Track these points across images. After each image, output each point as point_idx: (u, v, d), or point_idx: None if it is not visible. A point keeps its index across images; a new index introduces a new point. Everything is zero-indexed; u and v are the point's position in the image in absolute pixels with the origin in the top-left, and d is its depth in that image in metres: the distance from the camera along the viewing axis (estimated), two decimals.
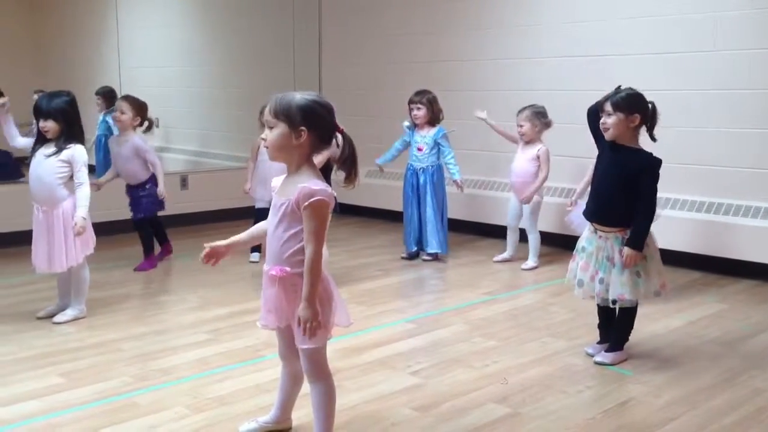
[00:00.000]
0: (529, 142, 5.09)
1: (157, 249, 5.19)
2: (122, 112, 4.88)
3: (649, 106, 3.28)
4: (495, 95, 5.97)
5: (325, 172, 4.36)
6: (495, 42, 5.95)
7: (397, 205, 6.45)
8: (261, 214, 5.28)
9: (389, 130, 6.74)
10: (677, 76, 4.99)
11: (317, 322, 2.27)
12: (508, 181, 5.36)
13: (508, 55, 5.87)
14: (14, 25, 6.60)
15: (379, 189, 6.67)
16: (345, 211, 5.22)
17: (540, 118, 5.06)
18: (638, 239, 3.20)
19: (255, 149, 5.20)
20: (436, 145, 5.27)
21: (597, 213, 3.34)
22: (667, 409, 2.85)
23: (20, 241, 5.45)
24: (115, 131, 5.37)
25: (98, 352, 3.46)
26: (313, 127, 2.28)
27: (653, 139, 3.31)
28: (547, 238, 5.25)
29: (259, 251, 5.29)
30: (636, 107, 3.24)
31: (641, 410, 2.85)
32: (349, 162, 2.36)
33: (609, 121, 3.26)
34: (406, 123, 5.40)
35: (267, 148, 2.33)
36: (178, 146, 7.18)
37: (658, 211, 3.92)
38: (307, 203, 2.24)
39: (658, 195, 3.29)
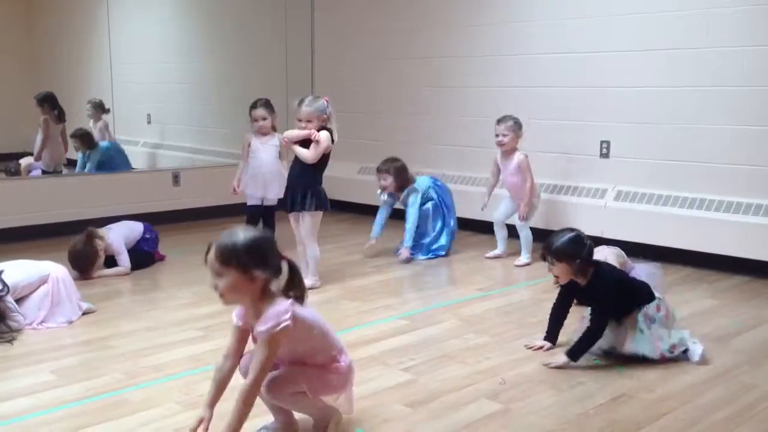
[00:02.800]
0: (507, 152, 5.07)
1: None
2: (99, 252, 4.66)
3: (587, 245, 3.25)
4: (487, 92, 5.97)
5: (321, 167, 4.37)
6: (488, 38, 5.94)
7: None
8: (252, 211, 5.27)
9: (381, 127, 6.75)
10: (671, 73, 5.00)
11: None
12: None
13: (501, 52, 5.87)
14: (6, 20, 6.56)
15: (371, 185, 6.65)
16: (337, 207, 5.21)
17: (520, 128, 5.05)
18: (576, 351, 3.19)
19: (246, 146, 5.17)
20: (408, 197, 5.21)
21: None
22: (658, 405, 2.86)
23: (16, 237, 5.46)
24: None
25: (89, 349, 3.45)
26: (263, 265, 2.26)
27: (587, 274, 3.27)
28: (535, 234, 5.25)
29: None
30: (576, 253, 3.21)
31: (633, 405, 2.86)
32: (297, 288, 2.36)
33: (555, 270, 3.28)
34: (382, 197, 5.30)
35: (221, 296, 2.29)
36: (171, 143, 7.15)
37: (656, 270, 4.03)
38: (263, 329, 2.25)
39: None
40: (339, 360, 2.50)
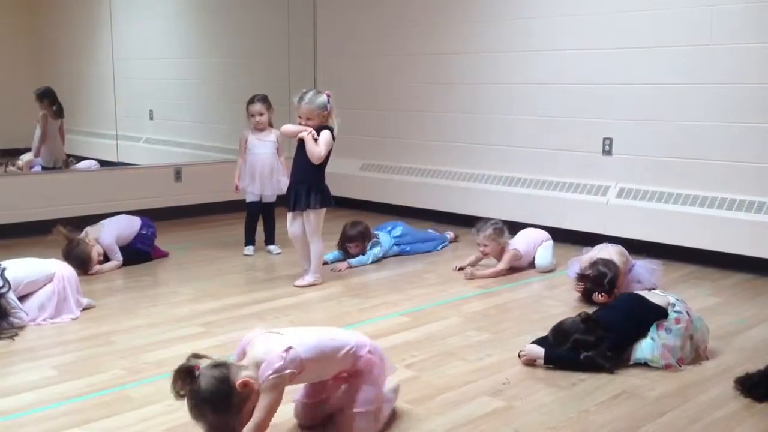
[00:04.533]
0: (496, 256, 4.79)
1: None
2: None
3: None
4: (491, 89, 5.97)
5: (324, 163, 4.35)
6: (491, 35, 5.93)
7: (391, 198, 6.47)
8: (252, 207, 5.27)
9: (384, 123, 6.74)
10: (674, 70, 4.98)
11: None
12: (501, 174, 5.35)
13: (503, 48, 5.86)
14: (9, 16, 6.56)
15: (373, 182, 6.67)
16: (339, 203, 5.21)
17: (501, 235, 4.72)
18: (555, 361, 3.14)
19: (243, 143, 5.15)
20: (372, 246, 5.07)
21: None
22: (659, 402, 2.86)
23: (18, 233, 5.47)
24: None
25: (91, 344, 3.46)
26: (234, 407, 2.22)
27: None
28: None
29: (254, 244, 5.28)
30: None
31: (634, 403, 2.85)
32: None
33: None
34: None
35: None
36: (173, 138, 7.16)
37: (657, 266, 4.22)
38: (263, 380, 2.25)
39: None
40: (360, 354, 2.48)
